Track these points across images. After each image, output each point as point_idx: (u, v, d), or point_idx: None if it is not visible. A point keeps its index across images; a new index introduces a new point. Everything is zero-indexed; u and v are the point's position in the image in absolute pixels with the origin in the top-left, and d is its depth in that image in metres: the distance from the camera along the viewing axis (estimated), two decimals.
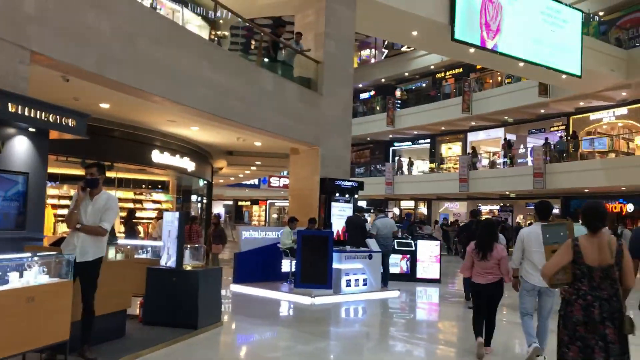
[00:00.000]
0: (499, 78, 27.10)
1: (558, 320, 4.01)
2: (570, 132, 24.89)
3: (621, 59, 19.48)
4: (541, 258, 5.00)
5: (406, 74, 33.33)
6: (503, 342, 7.04)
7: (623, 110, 23.29)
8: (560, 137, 24.99)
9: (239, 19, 12.45)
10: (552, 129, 26.54)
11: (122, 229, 12.49)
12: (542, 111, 25.35)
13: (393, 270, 13.18)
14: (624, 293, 3.87)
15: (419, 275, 13.57)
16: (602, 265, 3.78)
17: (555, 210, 22.11)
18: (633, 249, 3.97)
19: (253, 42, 13.79)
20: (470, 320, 6.73)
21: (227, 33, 15.32)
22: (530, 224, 8.70)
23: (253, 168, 21.06)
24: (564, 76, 17.84)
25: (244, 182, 31.97)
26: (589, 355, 3.74)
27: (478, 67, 26.29)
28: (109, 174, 13.62)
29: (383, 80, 34.71)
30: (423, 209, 32.70)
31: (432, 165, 31.51)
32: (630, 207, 22.11)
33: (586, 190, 22.34)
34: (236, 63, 11.30)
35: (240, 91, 10.84)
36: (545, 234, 4.59)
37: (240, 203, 43.84)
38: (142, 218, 15.16)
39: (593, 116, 24.64)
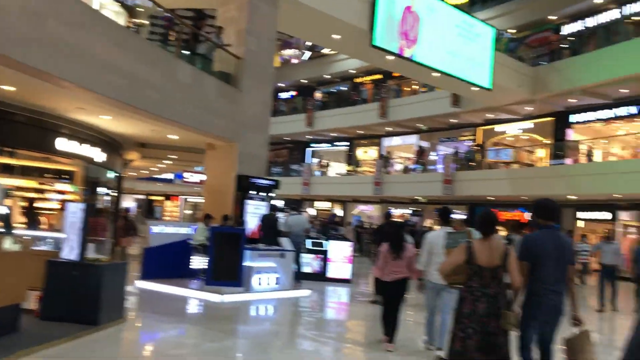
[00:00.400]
0: (416, 87, 28.00)
1: (454, 316, 4.42)
2: (478, 143, 26.13)
3: (528, 76, 20.65)
4: (443, 259, 5.38)
5: (327, 76, 33.70)
6: (407, 339, 7.29)
7: (528, 124, 24.71)
8: (469, 146, 26.18)
9: (159, 8, 12.10)
10: (461, 139, 27.72)
11: (23, 219, 11.79)
12: (454, 121, 26.40)
13: (305, 269, 13.29)
14: (514, 291, 4.31)
15: (330, 275, 13.73)
16: (491, 266, 4.25)
17: (464, 217, 23.09)
18: (521, 253, 4.45)
19: (173, 33, 13.42)
20: (377, 319, 7.02)
21: (145, 22, 14.86)
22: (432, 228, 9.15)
23: (167, 162, 20.51)
24: (475, 88, 18.70)
25: (157, 176, 31.07)
26: (468, 344, 4.19)
27: (396, 74, 27.00)
28: (9, 161, 12.85)
29: (304, 81, 34.91)
30: (339, 210, 33.16)
31: (349, 168, 32.04)
32: (529, 216, 23.48)
33: (491, 198, 23.50)
34: (153, 53, 10.96)
35: (156, 82, 10.53)
36: (448, 239, 5.09)
37: (152, 198, 42.56)
38: (45, 209, 14.37)
39: (498, 128, 25.96)
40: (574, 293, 4.58)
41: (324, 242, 14.01)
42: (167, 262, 11.27)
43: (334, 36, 15.40)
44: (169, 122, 11.37)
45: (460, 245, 4.46)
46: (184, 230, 12.08)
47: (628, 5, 20.70)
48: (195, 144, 14.41)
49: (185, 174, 33.67)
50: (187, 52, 12.39)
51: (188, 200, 41.26)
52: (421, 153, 28.25)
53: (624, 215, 20.95)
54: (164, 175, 31.62)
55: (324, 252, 13.81)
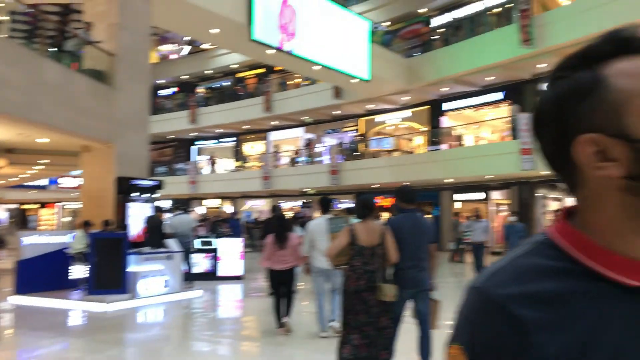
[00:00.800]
0: (300, 80, 28.27)
1: (342, 294, 4.84)
2: (361, 133, 26.94)
3: (403, 67, 21.56)
4: (326, 245, 5.88)
5: (209, 71, 33.10)
6: (302, 328, 7.40)
7: (406, 113, 25.83)
8: (353, 137, 26.93)
9: (21, 5, 11.23)
10: (345, 129, 28.41)
11: None
12: (337, 112, 26.99)
13: (196, 269, 13.03)
14: (389, 266, 4.87)
15: (222, 273, 13.56)
16: (371, 245, 4.74)
17: (350, 205, 23.67)
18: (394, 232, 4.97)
19: (37, 30, 12.50)
20: (271, 312, 7.31)
21: (5, 18, 13.71)
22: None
23: (39, 167, 19.17)
24: (354, 80, 19.22)
25: (29, 184, 28.91)
26: (360, 319, 4.63)
27: (278, 68, 27.10)
28: None
29: (186, 77, 34.04)
30: (229, 207, 32.81)
31: (238, 164, 31.77)
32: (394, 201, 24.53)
33: (376, 186, 24.34)
34: (14, 51, 10.13)
35: (19, 82, 9.75)
36: (330, 224, 5.65)
37: (25, 207, 39.59)
38: None
39: (379, 118, 26.92)
40: (434, 267, 5.28)
41: (213, 240, 13.81)
42: (44, 274, 10.56)
43: (212, 30, 15.13)
44: (37, 125, 10.61)
45: (344, 229, 4.91)
46: (60, 239, 11.36)
47: None
48: (68, 147, 13.57)
49: (60, 179, 31.62)
50: (54, 50, 11.61)
51: (66, 207, 38.84)
52: (308, 145, 28.63)
53: (496, 195, 22.58)
54: (37, 182, 29.49)
55: (214, 251, 13.63)
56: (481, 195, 22.69)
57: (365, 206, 4.97)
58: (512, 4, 18.95)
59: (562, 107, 0.77)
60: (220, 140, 33.95)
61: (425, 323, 5.04)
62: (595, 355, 0.71)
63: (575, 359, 0.71)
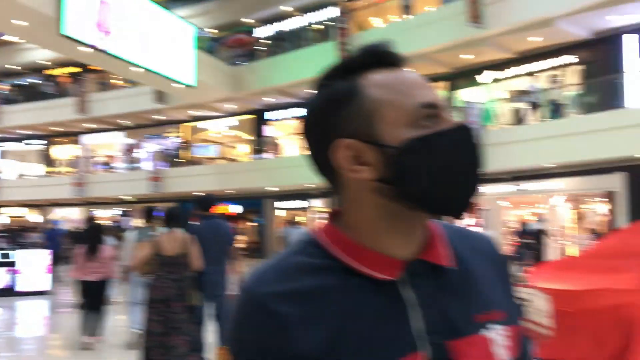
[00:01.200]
0: (120, 81, 26.78)
1: (147, 302, 4.86)
2: (185, 139, 26.39)
3: (228, 75, 21.54)
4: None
5: (13, 66, 29.97)
6: (114, 335, 7.16)
7: (233, 121, 25.85)
8: (175, 143, 26.27)
9: None
10: (166, 135, 27.60)
11: None
12: (160, 117, 26.10)
13: None
14: (193, 273, 4.99)
15: (23, 287, 12.32)
16: (175, 254, 4.86)
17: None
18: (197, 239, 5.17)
19: None
20: (78, 326, 6.99)
21: None
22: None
23: None
24: (177, 85, 18.74)
25: None
26: (166, 325, 4.70)
27: (94, 67, 25.43)
28: None
29: None
30: (37, 216, 30.01)
31: (50, 169, 29.20)
32: (239, 209, 24.65)
33: (199, 194, 23.93)
34: None
35: None
36: (139, 234, 5.87)
37: None
38: None
39: (204, 125, 26.60)
40: (238, 268, 5.64)
41: (11, 252, 12.54)
42: None
43: (15, 22, 13.74)
44: None
45: (149, 240, 5.07)
46: None
47: (311, 14, 23.19)
48: None
49: None
50: None
51: None
52: (127, 150, 27.28)
53: (316, 203, 23.51)
54: None
55: (14, 264, 12.35)
56: (303, 204, 23.48)
57: (170, 216, 5.13)
58: (332, 22, 19.99)
59: (323, 113, 0.82)
60: (27, 142, 30.94)
61: (225, 323, 5.23)
62: (344, 344, 0.76)
63: (328, 349, 0.75)
